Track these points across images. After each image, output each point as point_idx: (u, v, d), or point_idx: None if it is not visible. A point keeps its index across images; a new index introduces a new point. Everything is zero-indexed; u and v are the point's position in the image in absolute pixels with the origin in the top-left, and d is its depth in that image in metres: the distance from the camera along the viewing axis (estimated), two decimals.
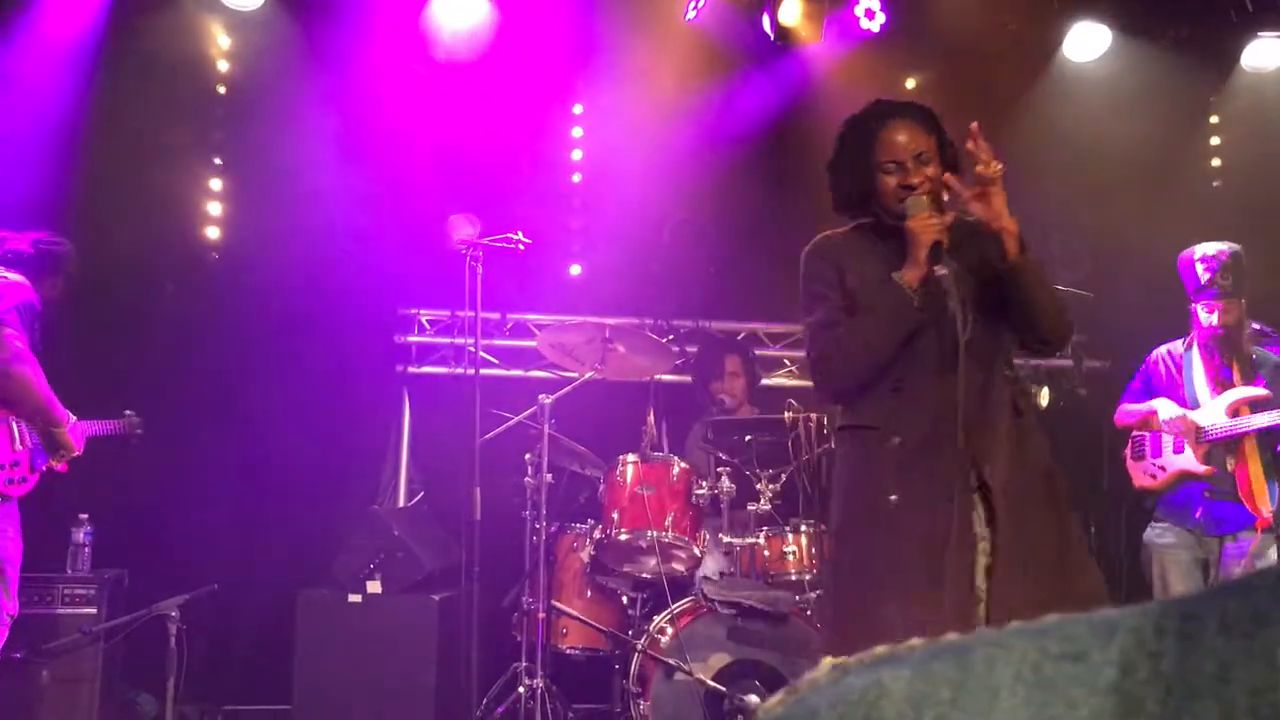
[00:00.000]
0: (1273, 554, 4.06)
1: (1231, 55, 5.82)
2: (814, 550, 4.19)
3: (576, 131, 6.11)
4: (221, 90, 5.76)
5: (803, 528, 4.22)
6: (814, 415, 4.29)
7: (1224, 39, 5.82)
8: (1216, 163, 6.16)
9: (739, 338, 6.11)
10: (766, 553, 4.21)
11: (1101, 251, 5.63)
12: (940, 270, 2.58)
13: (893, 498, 2.55)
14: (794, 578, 4.16)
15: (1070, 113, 5.83)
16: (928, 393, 2.61)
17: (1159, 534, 4.23)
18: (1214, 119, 6.13)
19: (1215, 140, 6.17)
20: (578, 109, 6.10)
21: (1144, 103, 5.82)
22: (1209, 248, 4.19)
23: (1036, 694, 0.43)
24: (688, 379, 5.51)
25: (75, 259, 4.21)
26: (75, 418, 3.91)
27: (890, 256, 2.67)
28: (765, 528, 4.29)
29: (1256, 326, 4.36)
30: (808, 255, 2.82)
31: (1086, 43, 5.78)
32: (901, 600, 2.49)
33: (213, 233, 5.77)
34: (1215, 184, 6.04)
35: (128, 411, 4.54)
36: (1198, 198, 6.03)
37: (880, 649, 0.50)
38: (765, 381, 5.61)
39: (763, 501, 4.30)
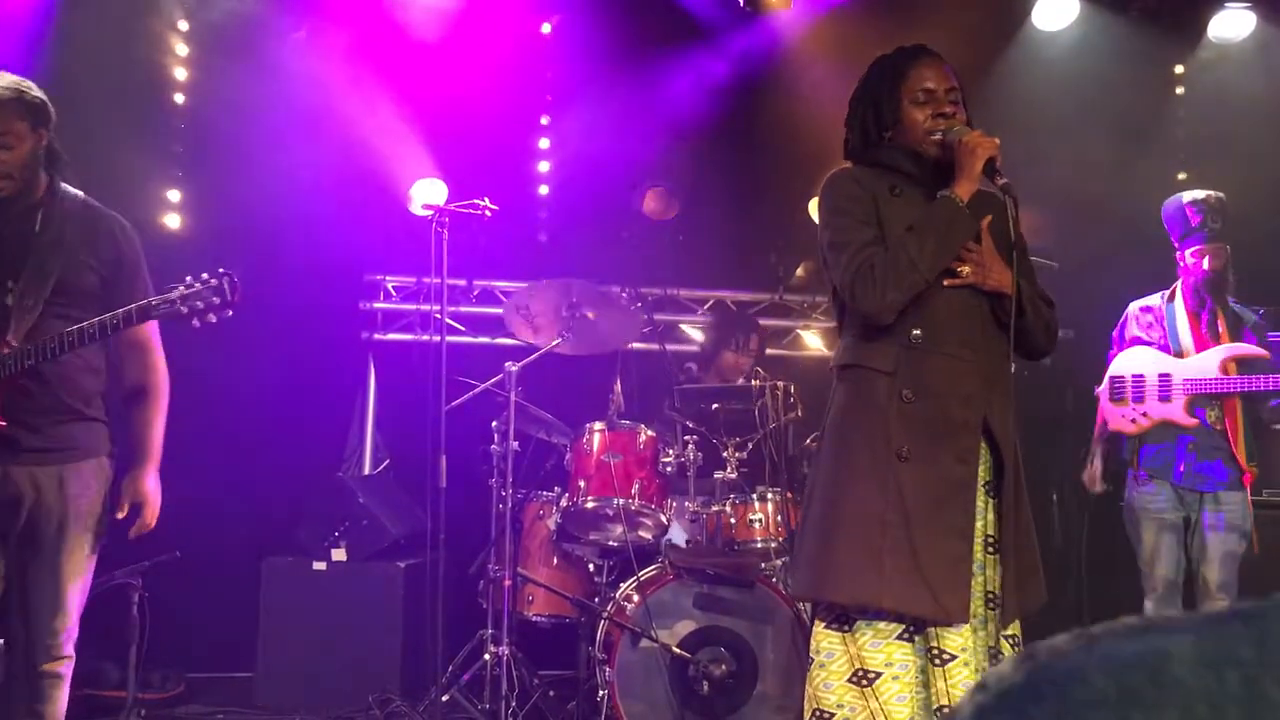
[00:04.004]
0: (1247, 524, 4.08)
1: (1199, 26, 5.83)
2: (780, 518, 4.20)
3: (544, 97, 6.05)
4: (182, 52, 5.66)
5: (769, 495, 4.23)
6: (780, 384, 4.30)
7: (1191, 9, 5.84)
8: (1182, 135, 6.19)
9: (706, 306, 6.11)
10: (733, 520, 4.22)
11: (1068, 221, 5.65)
12: (1002, 179, 2.52)
13: (905, 449, 2.50)
14: (760, 545, 4.18)
15: (1038, 82, 5.82)
16: (950, 350, 2.56)
17: (1147, 497, 4.19)
18: (1180, 90, 6.14)
19: (1181, 111, 6.19)
20: (546, 74, 6.04)
21: (1111, 72, 5.82)
22: (1197, 193, 4.16)
23: None
24: (655, 347, 5.50)
25: None
26: None
27: (915, 199, 2.61)
28: (731, 495, 4.29)
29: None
30: (839, 180, 2.68)
31: (1055, 11, 5.78)
32: (905, 552, 2.47)
33: (174, 198, 5.68)
34: (1181, 175, 6.04)
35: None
36: (1163, 168, 6.06)
37: (1130, 619, 0.50)
38: None
39: (729, 469, 4.30)
